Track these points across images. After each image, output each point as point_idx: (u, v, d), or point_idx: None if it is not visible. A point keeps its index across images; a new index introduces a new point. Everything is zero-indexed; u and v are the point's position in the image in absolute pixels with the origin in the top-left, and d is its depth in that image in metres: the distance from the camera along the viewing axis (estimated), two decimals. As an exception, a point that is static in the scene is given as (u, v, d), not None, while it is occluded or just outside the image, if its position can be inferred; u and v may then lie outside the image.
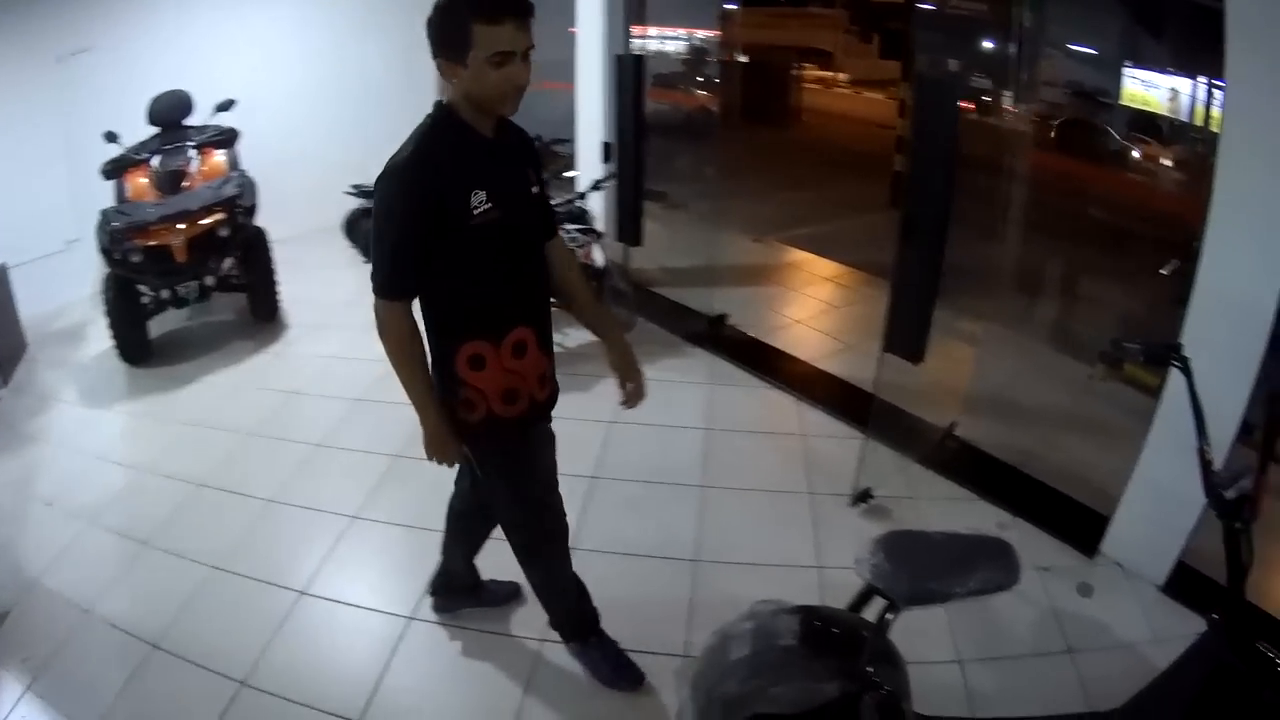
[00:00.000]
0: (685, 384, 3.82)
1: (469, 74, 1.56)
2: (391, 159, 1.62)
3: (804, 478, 2.73)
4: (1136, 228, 6.93)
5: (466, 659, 2.26)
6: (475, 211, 1.62)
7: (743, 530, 2.80)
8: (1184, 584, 2.84)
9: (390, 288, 1.66)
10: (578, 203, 4.25)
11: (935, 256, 3.05)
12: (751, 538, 2.68)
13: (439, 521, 2.31)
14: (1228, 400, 2.43)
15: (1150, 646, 2.63)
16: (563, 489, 2.00)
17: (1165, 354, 1.95)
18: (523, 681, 2.17)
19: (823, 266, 5.87)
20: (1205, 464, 1.73)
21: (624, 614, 2.31)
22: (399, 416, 3.42)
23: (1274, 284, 2.32)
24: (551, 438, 1.99)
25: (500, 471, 1.90)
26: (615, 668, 2.17)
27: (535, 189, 1.81)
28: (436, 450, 1.80)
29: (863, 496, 2.94)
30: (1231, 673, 1.78)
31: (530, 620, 2.30)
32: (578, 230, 4.02)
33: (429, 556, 2.39)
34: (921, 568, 1.61)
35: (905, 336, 3.04)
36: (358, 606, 2.45)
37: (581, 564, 2.14)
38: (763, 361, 4.15)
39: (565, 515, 2.04)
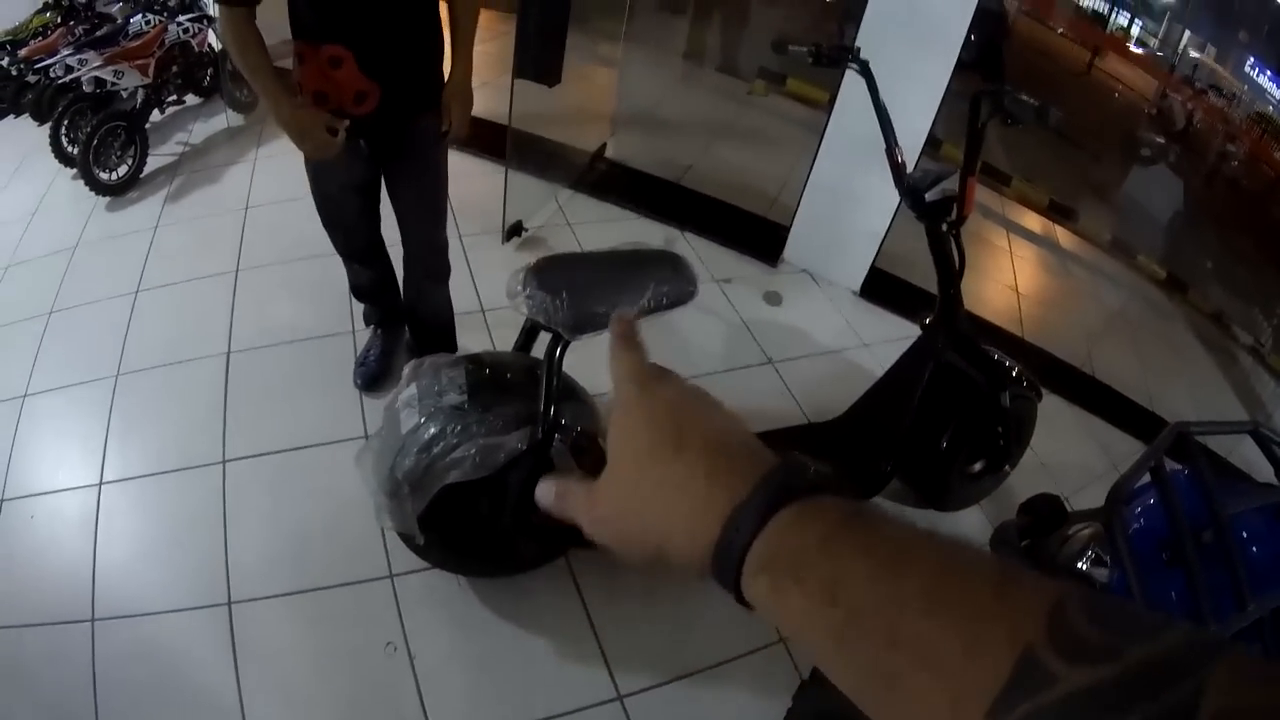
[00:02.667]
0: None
1: None
2: None
3: (450, 221, 2.64)
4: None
5: (165, 505, 2.10)
6: None
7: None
8: (882, 289, 2.89)
9: None
10: None
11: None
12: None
13: (110, 368, 2.29)
14: (912, 109, 2.41)
15: (856, 351, 2.65)
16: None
17: (841, 55, 1.81)
18: (219, 512, 2.05)
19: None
20: (897, 166, 1.67)
21: (292, 404, 2.28)
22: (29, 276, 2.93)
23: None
24: (366, 155, 1.97)
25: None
26: (365, 361, 2.43)
27: None
28: (301, 136, 1.79)
29: (515, 230, 2.91)
30: (951, 374, 1.79)
31: (212, 450, 2.20)
32: (189, 20, 3.62)
33: (101, 414, 2.29)
34: (583, 292, 1.41)
35: (538, 58, 2.92)
36: (50, 493, 2.15)
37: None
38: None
39: (362, 230, 2.23)
